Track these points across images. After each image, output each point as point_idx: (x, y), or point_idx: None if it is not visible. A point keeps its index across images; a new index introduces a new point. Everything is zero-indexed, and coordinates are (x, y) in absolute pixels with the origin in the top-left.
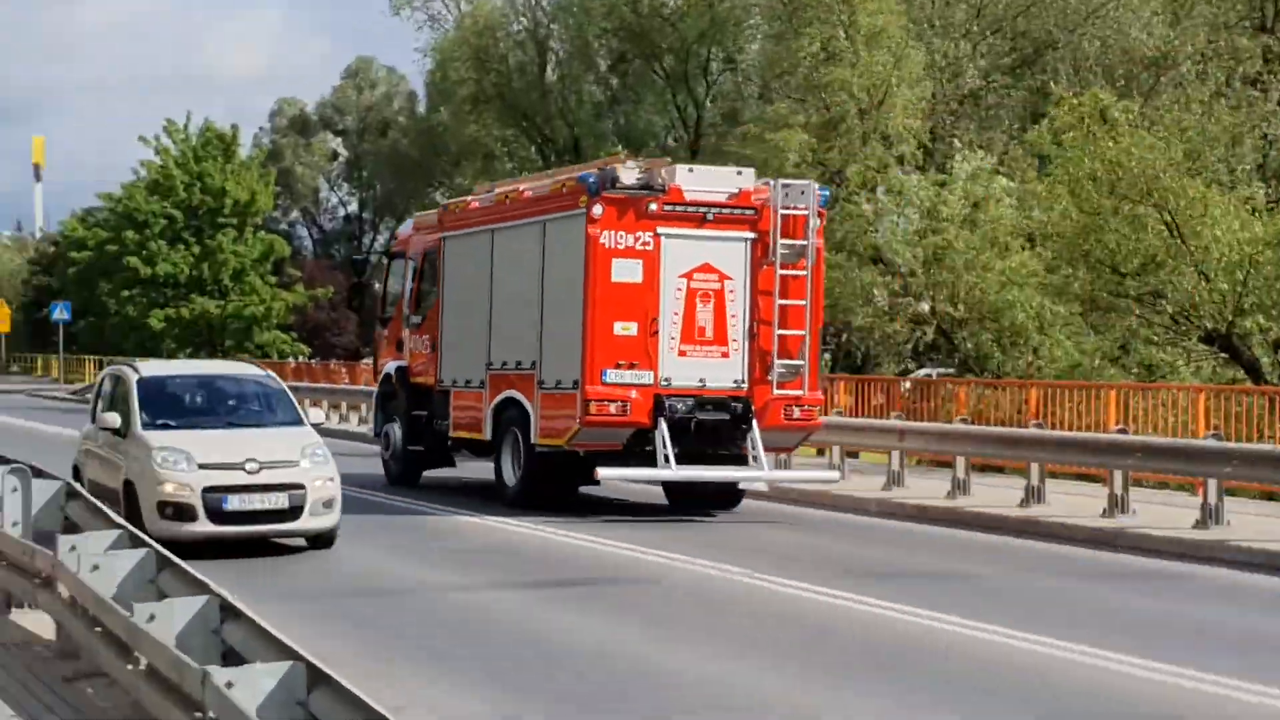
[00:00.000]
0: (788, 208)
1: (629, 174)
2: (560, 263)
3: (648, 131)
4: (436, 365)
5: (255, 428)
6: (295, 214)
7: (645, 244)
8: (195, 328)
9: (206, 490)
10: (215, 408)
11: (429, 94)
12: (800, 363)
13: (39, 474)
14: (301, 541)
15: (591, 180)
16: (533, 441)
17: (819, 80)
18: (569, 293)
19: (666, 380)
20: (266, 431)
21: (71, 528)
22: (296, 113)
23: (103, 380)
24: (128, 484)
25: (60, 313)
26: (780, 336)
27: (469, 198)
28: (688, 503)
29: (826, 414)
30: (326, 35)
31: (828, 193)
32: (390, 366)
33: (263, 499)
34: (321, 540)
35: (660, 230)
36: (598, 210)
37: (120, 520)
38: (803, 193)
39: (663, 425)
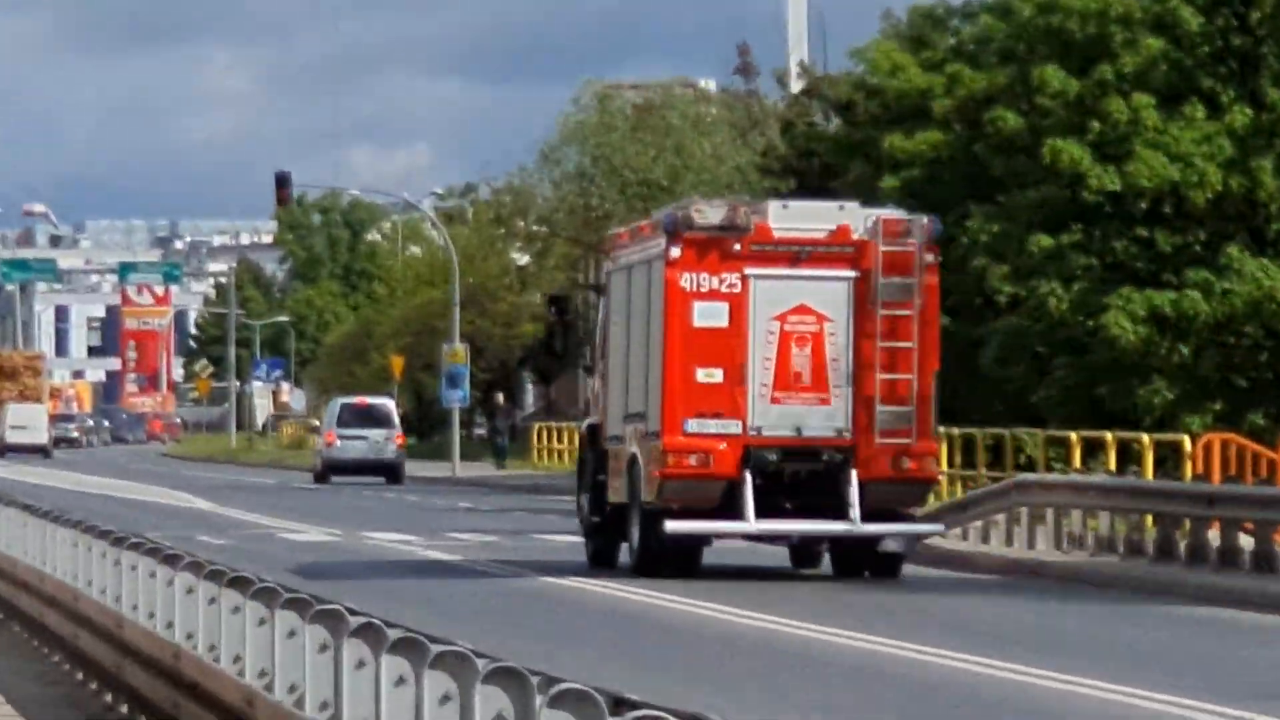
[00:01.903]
0: (891, 243)
1: (711, 213)
2: (642, 307)
3: None
4: (602, 421)
5: None
6: None
7: (732, 286)
8: None
9: None
10: None
11: None
12: (909, 409)
13: None
14: None
15: (667, 220)
16: (642, 499)
17: None
18: (654, 338)
19: (756, 430)
20: None
21: None
22: None
23: None
24: None
25: None
26: (884, 381)
27: (624, 228)
28: (847, 572)
29: None
30: None
31: (940, 227)
32: (584, 424)
33: None
34: None
35: (748, 271)
36: (675, 252)
37: None
38: (909, 227)
39: (748, 476)
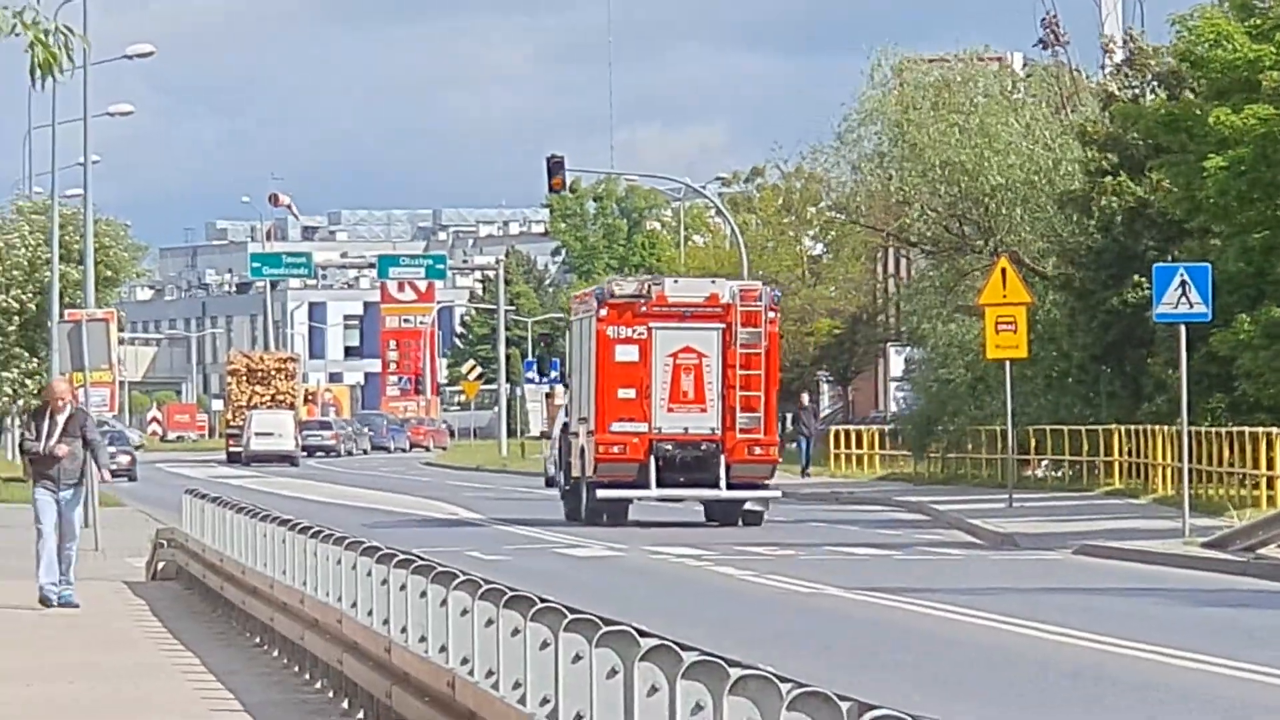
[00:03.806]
0: (747, 305)
1: (627, 286)
2: (586, 348)
3: None
4: (569, 421)
5: None
6: None
7: (640, 334)
8: None
9: None
10: None
11: None
12: (758, 414)
13: None
14: None
15: (598, 292)
16: (587, 475)
17: None
18: (591, 369)
19: (658, 429)
20: None
21: None
22: None
23: None
24: None
25: None
26: (742, 396)
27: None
28: (722, 519)
29: None
30: None
31: (779, 294)
32: (559, 424)
33: None
34: None
35: (652, 325)
36: (603, 312)
37: None
38: (758, 294)
39: (652, 460)
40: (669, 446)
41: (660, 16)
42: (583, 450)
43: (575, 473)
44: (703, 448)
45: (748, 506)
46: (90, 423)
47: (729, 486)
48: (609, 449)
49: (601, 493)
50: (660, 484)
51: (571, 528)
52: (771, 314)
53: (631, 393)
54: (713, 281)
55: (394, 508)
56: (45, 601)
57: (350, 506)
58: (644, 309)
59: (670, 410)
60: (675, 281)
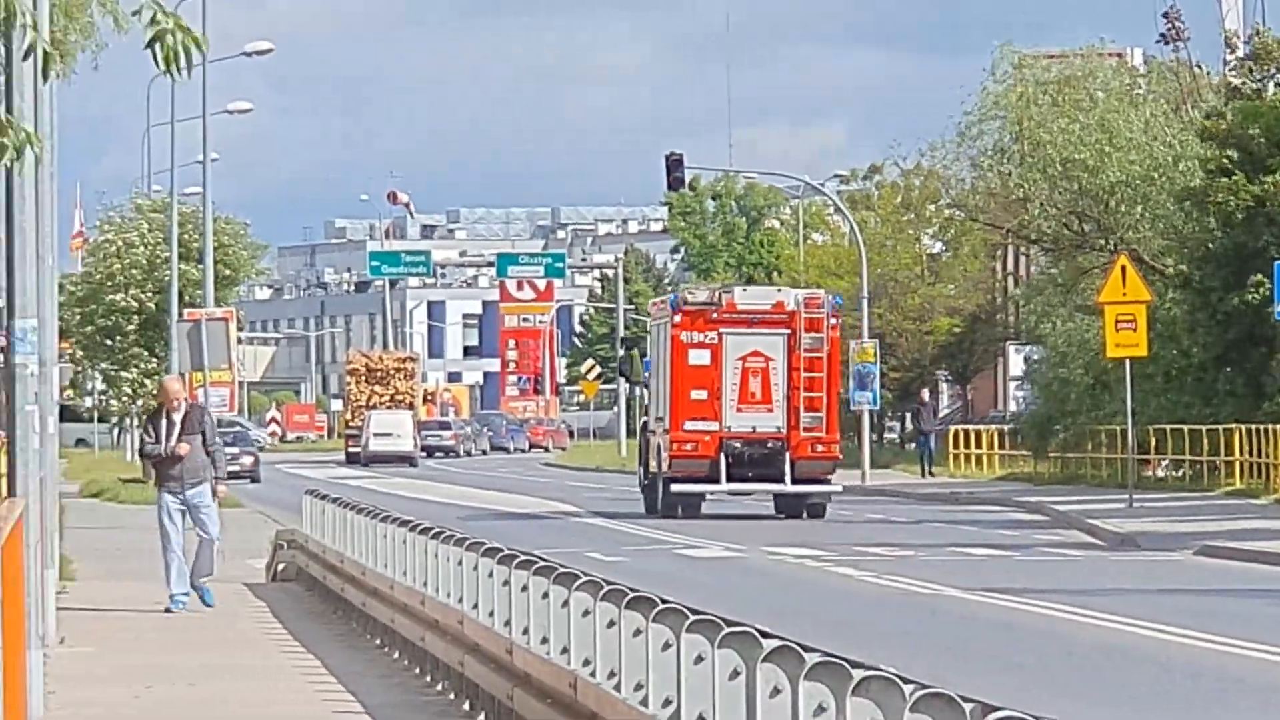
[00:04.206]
0: (810, 312)
1: (699, 294)
2: (663, 352)
3: None
4: (648, 421)
5: None
6: None
7: (712, 339)
8: None
9: None
10: None
11: None
12: (820, 414)
13: None
14: None
15: (673, 300)
16: (663, 471)
17: None
18: (667, 372)
19: (728, 428)
20: None
21: None
22: None
23: None
24: None
25: None
26: (805, 397)
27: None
28: (789, 512)
29: None
30: None
31: (840, 300)
32: (641, 422)
33: None
34: None
35: (722, 330)
36: (677, 319)
37: None
38: (821, 302)
39: (722, 457)
40: (738, 444)
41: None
42: (659, 447)
43: (653, 468)
44: (769, 445)
45: (811, 500)
46: (209, 420)
47: (794, 481)
48: (682, 446)
49: (676, 487)
50: (730, 479)
51: (686, 530)
52: (833, 320)
53: (703, 394)
54: (778, 290)
55: (511, 508)
56: (175, 610)
57: (468, 506)
58: (715, 315)
59: (739, 410)
60: (744, 290)
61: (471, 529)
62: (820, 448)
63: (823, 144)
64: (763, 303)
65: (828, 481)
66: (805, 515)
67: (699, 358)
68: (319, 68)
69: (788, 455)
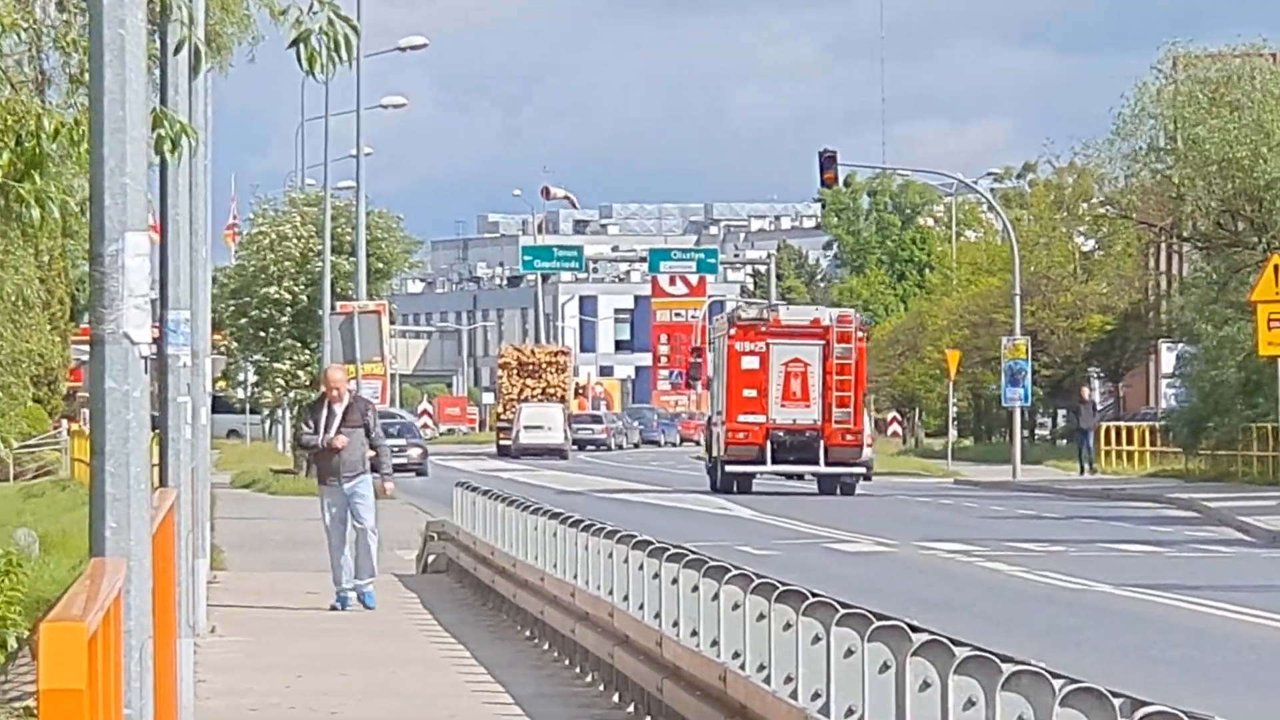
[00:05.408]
0: (841, 327)
1: (751, 311)
2: (721, 358)
3: None
4: (710, 415)
5: None
6: None
7: (761, 348)
8: None
9: None
10: None
11: None
12: (849, 410)
13: None
14: None
15: (730, 315)
16: (720, 456)
17: None
18: (723, 374)
19: (773, 420)
20: None
21: None
22: None
23: None
24: None
25: None
26: (836, 396)
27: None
28: (825, 490)
29: None
30: None
31: (868, 319)
32: (706, 417)
33: None
34: None
35: (769, 340)
36: (733, 331)
37: None
38: (851, 319)
39: (768, 444)
40: (781, 433)
41: (933, 13)
42: (718, 436)
43: (714, 454)
44: (807, 434)
45: (844, 479)
46: (373, 413)
47: (827, 464)
48: (736, 435)
49: (729, 468)
50: (774, 461)
51: (837, 523)
52: (860, 334)
53: (753, 392)
54: (817, 309)
55: (659, 501)
56: (338, 608)
57: (616, 499)
58: (764, 329)
59: (783, 406)
60: (788, 308)
61: (619, 519)
62: (849, 436)
63: (983, 142)
64: (803, 319)
65: (855, 464)
66: (839, 491)
67: (750, 363)
68: (474, 63)
69: (822, 443)
